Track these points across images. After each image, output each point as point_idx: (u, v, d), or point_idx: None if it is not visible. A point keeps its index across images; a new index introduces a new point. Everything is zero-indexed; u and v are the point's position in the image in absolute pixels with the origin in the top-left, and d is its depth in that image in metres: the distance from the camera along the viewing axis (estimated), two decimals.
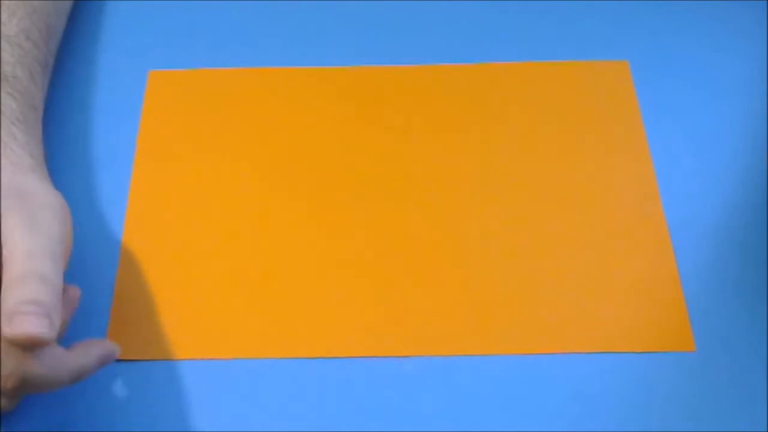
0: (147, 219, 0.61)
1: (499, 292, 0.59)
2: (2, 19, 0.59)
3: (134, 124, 0.65)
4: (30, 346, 0.48)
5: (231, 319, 0.58)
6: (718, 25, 0.70)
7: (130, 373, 0.55)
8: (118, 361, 0.55)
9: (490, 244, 0.60)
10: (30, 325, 0.47)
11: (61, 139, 0.64)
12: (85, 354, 0.52)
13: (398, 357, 0.57)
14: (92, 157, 0.64)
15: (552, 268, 0.59)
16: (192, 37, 0.70)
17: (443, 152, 0.64)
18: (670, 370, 0.56)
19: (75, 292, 0.53)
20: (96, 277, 0.59)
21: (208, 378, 0.56)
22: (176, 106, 0.66)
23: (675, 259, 0.60)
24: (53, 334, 0.47)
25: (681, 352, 0.57)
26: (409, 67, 0.68)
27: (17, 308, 0.47)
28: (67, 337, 0.53)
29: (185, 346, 0.57)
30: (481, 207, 0.62)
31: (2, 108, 0.56)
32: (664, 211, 0.61)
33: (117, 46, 0.69)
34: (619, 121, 0.65)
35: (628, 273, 0.59)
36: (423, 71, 0.68)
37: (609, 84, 0.67)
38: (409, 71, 0.68)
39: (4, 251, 0.50)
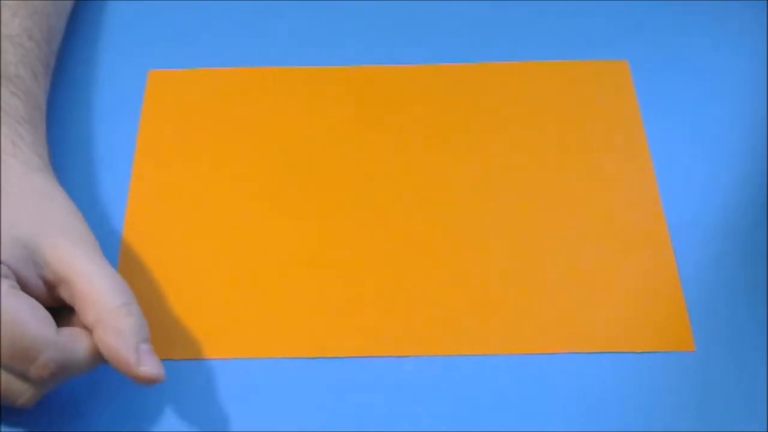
0: (147, 219, 0.61)
1: (499, 293, 0.59)
2: (4, 19, 0.59)
3: (134, 124, 0.65)
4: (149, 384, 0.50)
5: (231, 319, 0.58)
6: (718, 25, 0.70)
7: None
8: None
9: (489, 243, 0.60)
10: (159, 367, 0.50)
11: (62, 139, 0.64)
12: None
13: (398, 357, 0.57)
14: (92, 157, 0.64)
15: (552, 268, 0.59)
16: (192, 37, 0.70)
17: (443, 152, 0.64)
18: (670, 370, 0.56)
19: None
20: None
21: (208, 378, 0.56)
22: (176, 106, 0.66)
23: (675, 259, 0.60)
24: None
25: (681, 352, 0.57)
26: (409, 67, 0.68)
27: (140, 347, 0.50)
28: None
29: (184, 346, 0.57)
30: (481, 206, 0.62)
31: (8, 108, 0.56)
32: (664, 211, 0.61)
33: (117, 46, 0.69)
34: (619, 121, 0.65)
35: (628, 273, 0.59)
36: (423, 71, 0.68)
37: (609, 84, 0.67)
38: (409, 71, 0.68)
39: (56, 255, 0.51)
